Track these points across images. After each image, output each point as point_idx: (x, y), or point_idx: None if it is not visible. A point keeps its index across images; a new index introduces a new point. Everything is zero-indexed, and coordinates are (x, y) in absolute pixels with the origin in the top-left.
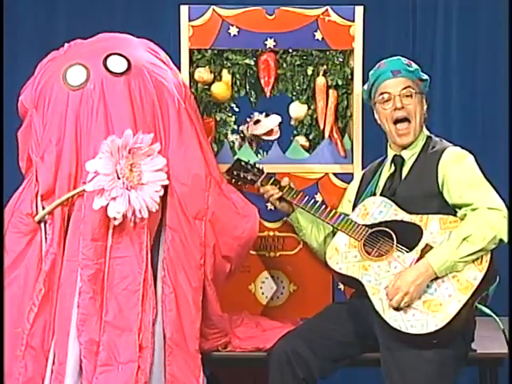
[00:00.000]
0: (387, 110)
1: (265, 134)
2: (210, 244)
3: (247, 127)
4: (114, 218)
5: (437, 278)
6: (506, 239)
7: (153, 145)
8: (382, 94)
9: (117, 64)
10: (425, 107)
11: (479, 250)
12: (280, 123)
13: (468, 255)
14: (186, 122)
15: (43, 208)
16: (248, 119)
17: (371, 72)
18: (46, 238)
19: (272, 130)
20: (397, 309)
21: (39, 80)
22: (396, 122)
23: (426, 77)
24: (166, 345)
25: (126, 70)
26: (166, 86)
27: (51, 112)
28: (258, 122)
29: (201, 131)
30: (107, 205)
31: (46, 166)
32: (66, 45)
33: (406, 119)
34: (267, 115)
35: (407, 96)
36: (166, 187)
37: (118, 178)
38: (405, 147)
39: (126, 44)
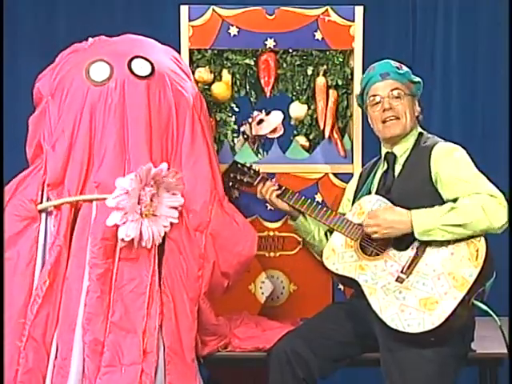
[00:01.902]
0: (376, 112)
1: (270, 133)
2: (210, 259)
3: (250, 128)
4: (122, 240)
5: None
6: (496, 225)
7: (179, 184)
8: (371, 96)
9: (141, 67)
10: (417, 109)
11: (462, 225)
12: (283, 119)
13: (450, 225)
14: (199, 135)
15: (48, 197)
16: (249, 119)
17: (362, 77)
18: (45, 229)
19: (276, 127)
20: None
21: (59, 70)
22: (384, 122)
23: (417, 79)
24: (166, 353)
25: (149, 74)
26: (184, 95)
27: (68, 103)
28: (261, 121)
29: (212, 146)
30: (120, 225)
31: (56, 155)
32: (90, 39)
33: (394, 118)
34: (268, 113)
35: (396, 97)
36: None
37: (138, 204)
38: (395, 141)
39: (152, 49)
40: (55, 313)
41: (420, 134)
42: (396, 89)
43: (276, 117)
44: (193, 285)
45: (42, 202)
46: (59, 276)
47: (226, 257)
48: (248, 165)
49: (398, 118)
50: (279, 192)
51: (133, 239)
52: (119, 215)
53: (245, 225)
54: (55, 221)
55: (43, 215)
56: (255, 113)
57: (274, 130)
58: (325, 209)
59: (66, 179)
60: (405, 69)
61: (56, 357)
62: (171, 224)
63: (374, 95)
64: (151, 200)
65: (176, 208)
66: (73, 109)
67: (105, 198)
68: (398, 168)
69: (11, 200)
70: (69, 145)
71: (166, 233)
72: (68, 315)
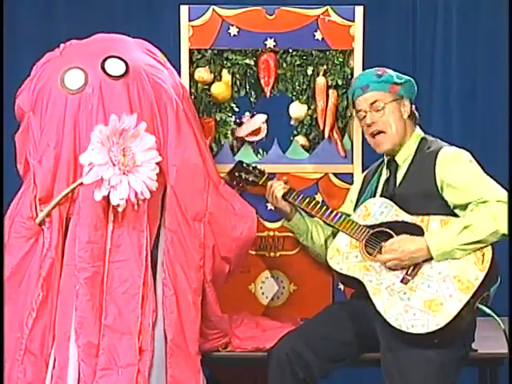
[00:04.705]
0: (363, 127)
1: (249, 135)
2: (209, 245)
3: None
4: (118, 205)
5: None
6: (506, 231)
7: (138, 125)
8: (357, 112)
9: (115, 67)
10: (407, 108)
11: (479, 241)
12: (266, 120)
13: (467, 244)
14: (184, 124)
15: (41, 211)
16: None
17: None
18: (44, 242)
19: (258, 129)
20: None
21: (36, 83)
22: (373, 136)
23: (403, 79)
24: (168, 347)
25: (124, 72)
26: (163, 87)
27: (49, 116)
28: (241, 124)
29: (199, 132)
30: (108, 194)
31: (43, 169)
32: (62, 45)
33: (380, 132)
34: (252, 116)
35: (377, 110)
36: (165, 187)
37: (114, 165)
38: (393, 153)
39: (123, 46)
40: (51, 325)
41: (422, 138)
42: (375, 101)
43: (257, 119)
44: (195, 275)
45: (37, 216)
46: (53, 288)
47: (225, 242)
48: (253, 165)
49: (383, 132)
50: (285, 190)
51: (129, 200)
52: (102, 187)
53: (242, 208)
54: (47, 232)
55: (44, 228)
56: (247, 114)
57: (254, 133)
58: (330, 210)
59: (54, 191)
60: (387, 73)
61: (54, 367)
62: (164, 197)
63: (358, 110)
64: (124, 155)
65: (152, 148)
66: (54, 121)
67: (82, 182)
68: (400, 174)
69: (13, 225)
70: (55, 157)
71: (164, 224)
72: (63, 325)
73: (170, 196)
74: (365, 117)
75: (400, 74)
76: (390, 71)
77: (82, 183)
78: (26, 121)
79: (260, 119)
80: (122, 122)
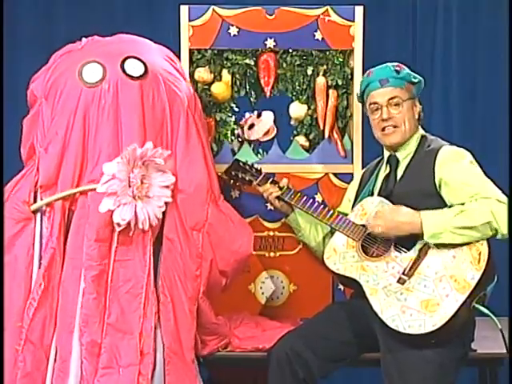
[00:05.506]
0: (376, 119)
1: (262, 136)
2: (207, 258)
3: (242, 131)
4: (118, 225)
5: (434, 277)
6: (504, 231)
7: (168, 162)
8: (371, 104)
9: (134, 68)
10: (418, 109)
11: (471, 228)
12: (274, 119)
13: (460, 228)
14: (194, 135)
15: (41, 198)
16: (241, 122)
17: (361, 79)
18: (41, 230)
19: (268, 129)
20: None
21: (52, 71)
22: (383, 130)
23: (417, 79)
24: (165, 354)
25: (143, 74)
26: (178, 95)
27: (61, 105)
28: (252, 126)
29: (207, 145)
30: (114, 210)
31: (49, 157)
32: (84, 39)
33: (393, 127)
34: (259, 114)
35: (395, 105)
36: None
37: (129, 187)
38: (396, 149)
39: (145, 49)
40: (53, 315)
41: (423, 136)
42: (395, 97)
43: (267, 118)
44: (191, 284)
45: (35, 203)
46: (54, 278)
47: (223, 255)
48: (250, 163)
49: (396, 127)
50: (278, 193)
51: (129, 223)
52: (111, 200)
53: (240, 223)
54: (48, 222)
55: (38, 216)
56: (247, 114)
57: (267, 133)
58: (327, 209)
59: (59, 181)
60: (404, 71)
61: (55, 360)
62: (167, 217)
63: (373, 102)
64: (142, 182)
65: (168, 187)
66: (66, 110)
67: (94, 188)
68: (400, 171)
69: (6, 203)
70: (62, 146)
71: (163, 233)
72: (66, 317)
73: (170, 205)
74: (378, 109)
75: (413, 73)
76: (406, 68)
77: (93, 189)
78: (37, 107)
79: (269, 119)
80: (154, 152)
